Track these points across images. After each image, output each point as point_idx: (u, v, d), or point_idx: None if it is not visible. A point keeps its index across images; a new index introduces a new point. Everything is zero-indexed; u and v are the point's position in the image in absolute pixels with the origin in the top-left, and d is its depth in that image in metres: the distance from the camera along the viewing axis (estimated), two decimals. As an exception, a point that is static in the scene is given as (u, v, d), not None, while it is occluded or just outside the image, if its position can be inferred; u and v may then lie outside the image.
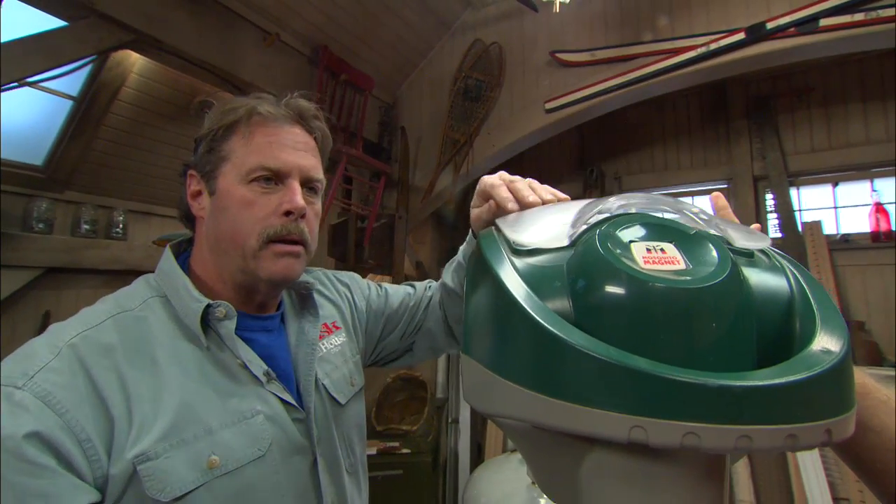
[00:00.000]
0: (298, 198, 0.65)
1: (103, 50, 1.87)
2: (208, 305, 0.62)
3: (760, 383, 0.24)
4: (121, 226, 2.67)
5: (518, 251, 0.37)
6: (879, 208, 2.66)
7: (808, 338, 0.30)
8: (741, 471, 2.45)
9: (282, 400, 0.64)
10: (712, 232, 0.36)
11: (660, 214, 0.37)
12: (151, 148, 2.55)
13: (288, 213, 0.64)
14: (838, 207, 2.82)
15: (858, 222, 2.73)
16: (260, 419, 0.62)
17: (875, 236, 2.61)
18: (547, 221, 0.42)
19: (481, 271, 0.37)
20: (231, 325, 0.63)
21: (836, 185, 2.82)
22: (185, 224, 0.73)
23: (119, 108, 2.32)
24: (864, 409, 0.36)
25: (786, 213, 2.74)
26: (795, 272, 0.36)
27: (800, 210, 2.84)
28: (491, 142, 2.80)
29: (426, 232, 3.60)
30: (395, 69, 3.12)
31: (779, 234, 2.76)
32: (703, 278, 0.30)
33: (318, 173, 0.70)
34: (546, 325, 0.28)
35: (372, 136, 3.12)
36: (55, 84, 2.10)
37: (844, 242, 2.67)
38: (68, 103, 2.22)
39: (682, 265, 0.32)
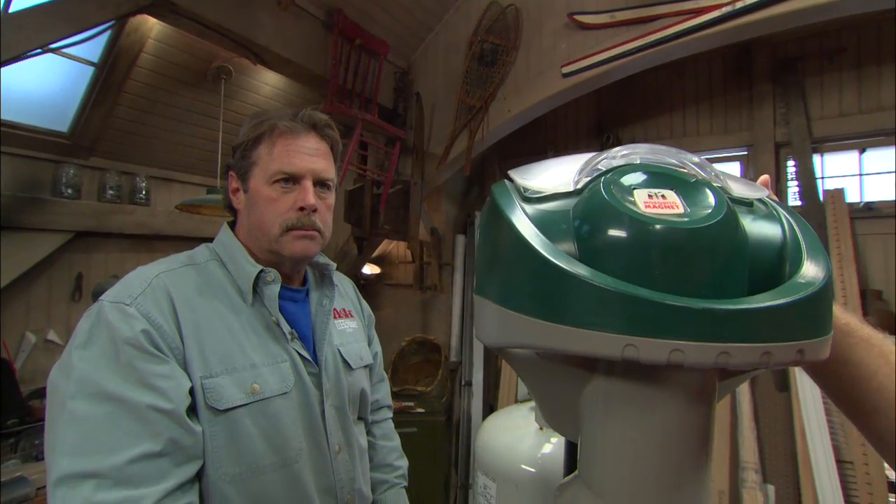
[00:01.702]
0: (310, 196, 0.81)
1: (122, 15, 1.87)
2: (261, 271, 0.79)
3: (740, 306, 0.27)
4: (144, 192, 2.74)
5: (528, 198, 0.40)
6: (906, 176, 2.58)
7: (796, 274, 0.32)
8: (747, 435, 2.50)
9: (301, 356, 0.81)
10: (712, 182, 0.38)
11: (663, 164, 0.39)
12: (171, 114, 2.58)
13: (301, 209, 0.80)
14: (864, 175, 2.74)
15: (884, 190, 2.66)
16: (287, 365, 0.79)
17: (899, 204, 2.55)
18: (556, 171, 0.44)
19: (494, 217, 0.39)
20: (275, 288, 0.80)
21: (862, 151, 2.74)
22: (228, 212, 0.90)
23: (138, 74, 2.34)
24: (847, 346, 0.38)
25: (807, 180, 2.68)
26: (791, 220, 0.38)
27: (822, 177, 2.77)
28: (507, 107, 2.77)
29: (440, 198, 3.62)
30: (410, 33, 3.07)
31: (798, 202, 2.70)
32: (699, 220, 0.33)
33: (329, 173, 0.85)
34: (551, 258, 0.31)
35: (387, 102, 3.10)
36: (76, 50, 2.13)
37: (868, 210, 2.61)
38: (89, 70, 2.25)
39: (680, 210, 0.35)
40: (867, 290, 2.51)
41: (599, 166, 0.39)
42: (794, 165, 2.73)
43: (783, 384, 2.47)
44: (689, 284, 0.31)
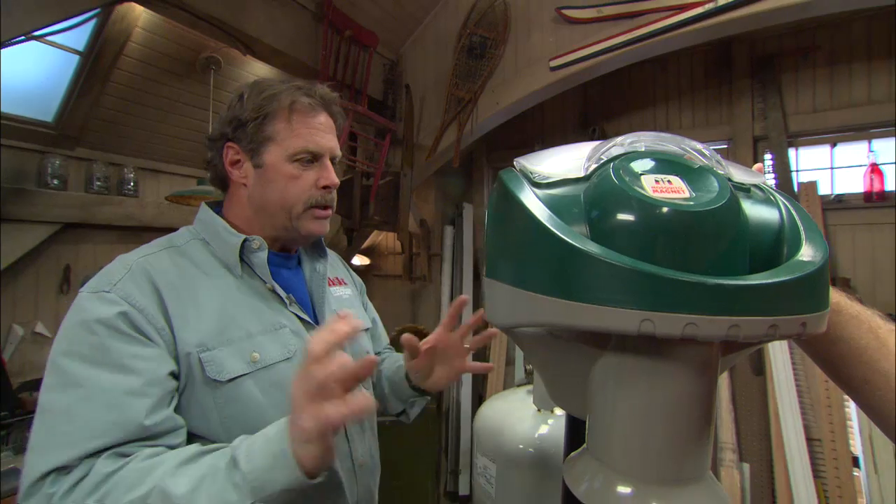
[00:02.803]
0: (333, 175, 0.81)
1: (108, 2, 1.82)
2: (245, 239, 0.76)
3: (749, 282, 0.28)
4: (132, 183, 2.68)
5: (538, 183, 0.41)
6: (875, 169, 2.66)
7: (794, 255, 0.34)
8: (725, 417, 2.58)
9: (300, 318, 0.80)
10: (715, 168, 0.40)
11: (667, 151, 0.41)
12: (159, 105, 2.52)
13: (326, 187, 0.81)
14: (835, 168, 2.82)
15: (853, 183, 2.74)
16: (286, 331, 0.77)
17: (868, 196, 2.63)
18: (560, 158, 0.45)
19: (505, 202, 0.40)
20: (263, 255, 0.77)
21: (834, 145, 2.81)
22: (216, 185, 0.87)
23: (125, 63, 2.28)
24: (837, 323, 0.40)
25: (783, 173, 2.75)
26: (787, 204, 0.39)
27: (797, 170, 2.85)
28: (495, 99, 2.77)
29: (430, 190, 3.61)
30: (399, 25, 3.04)
31: (774, 194, 2.77)
32: (704, 203, 0.34)
33: (339, 150, 0.85)
34: (570, 240, 0.32)
35: (376, 94, 3.07)
36: (61, 38, 2.06)
37: (838, 202, 2.69)
38: (75, 58, 2.18)
39: (686, 194, 0.36)
40: (836, 277, 2.60)
41: (607, 153, 0.40)
42: (771, 158, 2.79)
43: (759, 369, 2.55)
44: (695, 263, 0.33)
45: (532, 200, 0.37)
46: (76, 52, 2.16)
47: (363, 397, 0.53)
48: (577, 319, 0.31)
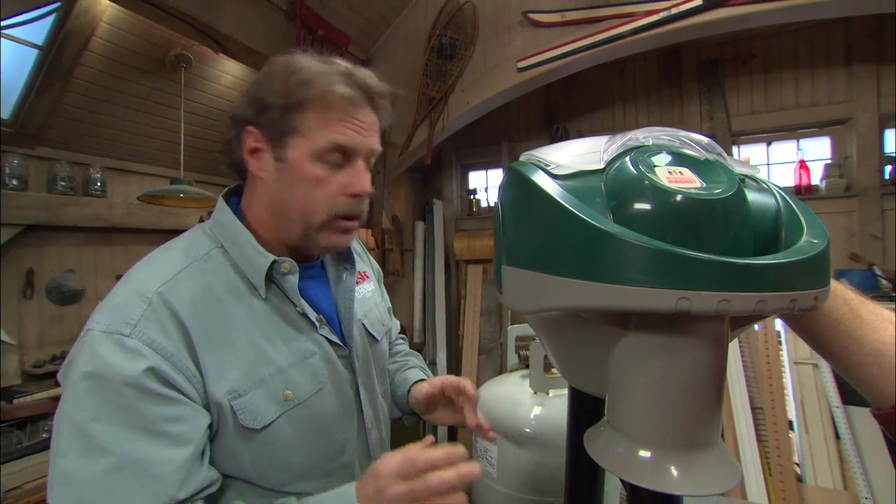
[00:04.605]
0: (366, 181, 0.66)
1: (71, -5, 1.70)
2: (274, 261, 0.64)
3: (775, 261, 0.30)
4: (99, 183, 2.52)
5: (557, 175, 0.41)
6: (803, 165, 2.86)
7: (795, 238, 0.36)
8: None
9: (329, 341, 0.69)
10: (719, 161, 0.41)
11: (676, 145, 0.42)
12: (127, 103, 2.38)
13: (356, 196, 0.65)
14: (770, 164, 3.01)
15: (786, 178, 2.93)
16: (316, 359, 0.67)
17: (797, 190, 2.82)
18: (572, 152, 0.45)
19: (529, 193, 0.40)
20: (294, 279, 0.65)
21: (769, 144, 3.00)
22: (231, 172, 0.71)
23: (90, 59, 2.13)
24: None
25: (726, 168, 2.90)
26: (782, 193, 0.42)
27: (738, 166, 3.01)
28: (465, 99, 2.77)
29: (401, 187, 3.59)
30: (370, 26, 2.99)
31: (719, 188, 2.92)
32: (717, 192, 0.36)
33: (378, 149, 0.69)
34: (606, 228, 0.32)
35: (348, 94, 3.01)
36: (19, 32, 1.90)
37: (773, 195, 2.87)
38: (34, 53, 2.02)
39: (698, 184, 0.37)
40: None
41: (622, 147, 0.41)
42: (716, 156, 2.94)
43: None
44: (709, 247, 0.34)
45: (559, 191, 0.38)
46: (35, 46, 2.00)
47: None
48: (615, 301, 0.32)
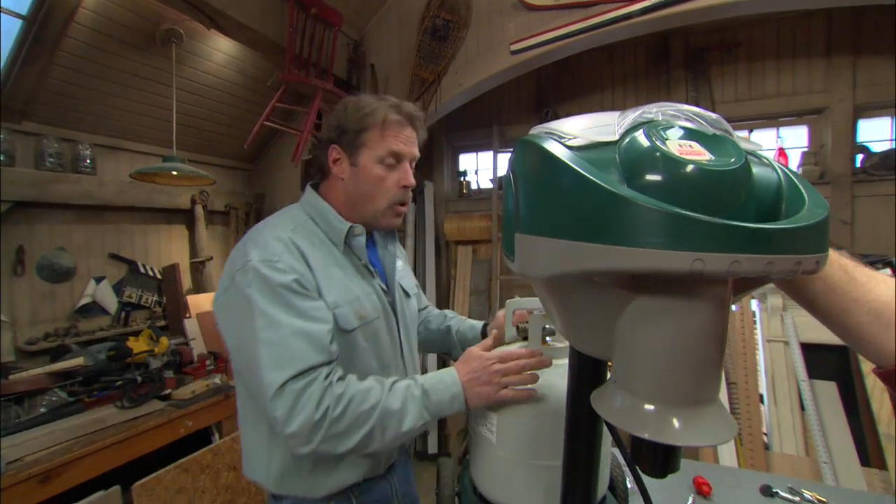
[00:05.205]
0: (411, 176, 0.96)
1: (57, -36, 1.61)
2: (350, 226, 0.93)
3: (783, 226, 0.31)
4: (88, 160, 2.44)
5: (571, 146, 0.42)
6: (782, 152, 2.91)
7: (796, 209, 0.37)
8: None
9: (382, 288, 0.99)
10: (726, 136, 0.43)
11: (685, 119, 0.43)
12: (116, 78, 2.29)
13: (405, 187, 0.96)
14: (750, 151, 3.06)
15: (765, 164, 2.98)
16: (375, 297, 0.96)
17: (776, 176, 2.88)
18: (583, 125, 0.46)
19: (546, 162, 0.41)
20: (363, 239, 0.95)
21: (751, 131, 3.04)
22: (314, 174, 1.03)
23: (77, 31, 2.04)
24: None
25: (709, 155, 2.94)
26: (783, 168, 0.43)
27: (720, 153, 3.05)
28: (458, 81, 2.74)
29: (394, 170, 3.54)
30: (363, 4, 2.91)
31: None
32: (727, 164, 0.37)
33: (418, 155, 0.99)
34: (626, 195, 0.33)
35: (341, 73, 2.95)
36: (3, 1, 1.80)
37: (752, 181, 2.92)
38: (18, 23, 1.92)
39: (708, 156, 0.38)
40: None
41: (635, 120, 0.42)
42: (700, 142, 2.97)
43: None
44: (718, 214, 0.35)
45: (577, 160, 0.38)
46: (19, 15, 1.90)
47: (527, 392, 0.78)
48: (632, 263, 0.33)
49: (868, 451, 2.15)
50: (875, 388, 2.24)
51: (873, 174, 2.65)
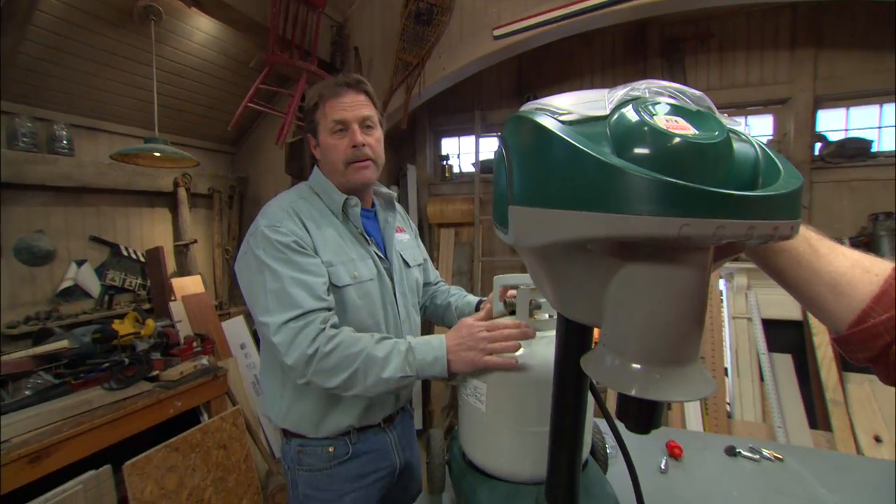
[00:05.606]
0: (358, 136, 1.03)
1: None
2: (346, 198, 1.05)
3: (763, 194, 0.33)
4: (65, 140, 2.33)
5: (564, 121, 0.42)
6: (749, 140, 2.99)
7: (772, 181, 0.39)
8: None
9: (378, 255, 1.08)
10: (709, 112, 0.44)
11: (672, 97, 0.44)
12: (92, 56, 2.17)
13: (354, 146, 1.03)
14: (720, 138, 3.13)
15: (732, 151, 3.06)
16: (370, 261, 1.06)
17: (743, 162, 2.96)
18: (574, 101, 0.46)
19: (541, 136, 0.41)
20: (358, 209, 1.07)
21: (720, 119, 3.11)
22: (312, 162, 1.14)
23: (48, 5, 1.92)
24: None
25: (681, 141, 3.00)
26: (760, 144, 0.45)
27: (692, 140, 3.11)
28: (441, 65, 2.70)
29: (378, 154, 3.50)
30: (346, -13, 2.82)
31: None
32: (710, 137, 0.38)
33: (369, 115, 1.05)
34: (618, 165, 0.34)
35: (324, 56, 2.87)
36: (-34, -29, 1.68)
37: (721, 167, 3.00)
38: (-16, -4, 1.80)
39: (693, 131, 0.40)
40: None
41: (625, 96, 0.43)
42: (673, 129, 3.02)
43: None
44: (703, 183, 0.37)
45: (570, 132, 0.39)
46: (-15, -12, 1.77)
47: (510, 360, 0.79)
48: (624, 230, 0.34)
49: (816, 415, 2.29)
50: (825, 358, 2.38)
51: (829, 161, 2.75)
